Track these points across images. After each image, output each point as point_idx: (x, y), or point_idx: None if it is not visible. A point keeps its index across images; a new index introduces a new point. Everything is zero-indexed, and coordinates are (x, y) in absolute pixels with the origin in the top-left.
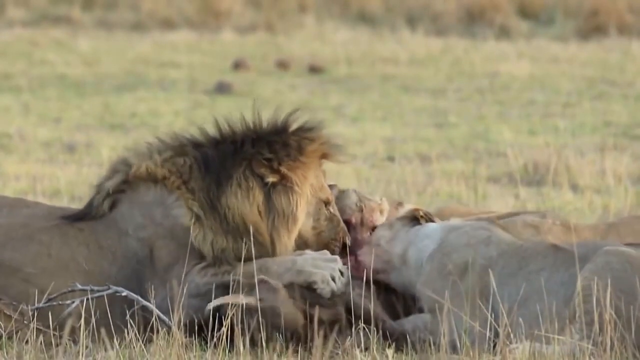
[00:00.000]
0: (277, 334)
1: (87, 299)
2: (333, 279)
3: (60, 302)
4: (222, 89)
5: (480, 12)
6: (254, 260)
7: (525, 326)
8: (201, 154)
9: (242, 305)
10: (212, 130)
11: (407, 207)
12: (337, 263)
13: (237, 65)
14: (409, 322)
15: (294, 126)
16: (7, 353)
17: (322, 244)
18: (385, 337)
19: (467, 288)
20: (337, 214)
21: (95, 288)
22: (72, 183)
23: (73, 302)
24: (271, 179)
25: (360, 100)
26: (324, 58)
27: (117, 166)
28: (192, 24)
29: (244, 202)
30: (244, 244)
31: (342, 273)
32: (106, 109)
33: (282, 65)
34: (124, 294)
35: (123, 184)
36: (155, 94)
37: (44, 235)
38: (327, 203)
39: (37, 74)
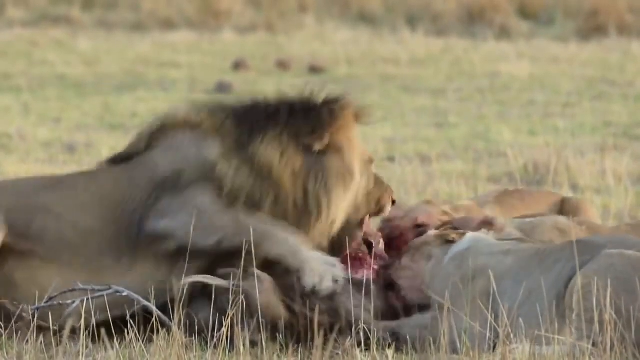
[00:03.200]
0: (263, 327)
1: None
2: (322, 279)
3: (60, 302)
4: (222, 89)
5: (481, 12)
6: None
7: (536, 319)
8: (238, 109)
9: (214, 285)
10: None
11: (431, 232)
12: (336, 268)
13: (237, 65)
14: (410, 323)
15: (322, 97)
16: (7, 353)
17: (373, 204)
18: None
19: (475, 292)
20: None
21: (97, 288)
22: None
23: (74, 302)
24: (318, 146)
25: (361, 100)
26: (324, 58)
27: (157, 117)
28: (192, 24)
29: (276, 155)
30: (261, 194)
31: (337, 281)
32: (106, 109)
33: (282, 65)
34: (124, 294)
35: (159, 131)
36: (155, 94)
37: (71, 180)
38: (371, 162)
39: (37, 74)
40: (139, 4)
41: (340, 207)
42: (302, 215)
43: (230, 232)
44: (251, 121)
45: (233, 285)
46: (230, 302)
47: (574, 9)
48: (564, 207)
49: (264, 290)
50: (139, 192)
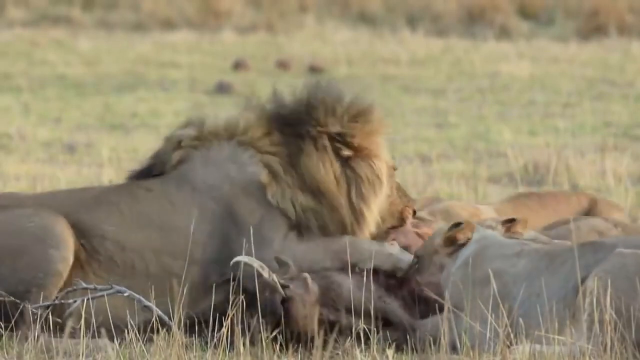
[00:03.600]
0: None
1: (89, 298)
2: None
3: (62, 301)
4: (222, 89)
5: (481, 13)
6: (345, 237)
7: (545, 320)
8: (274, 112)
9: (264, 279)
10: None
11: (437, 240)
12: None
13: (237, 65)
14: (428, 323)
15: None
16: (7, 353)
17: (396, 214)
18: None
19: (488, 296)
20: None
21: (98, 287)
22: (72, 183)
23: (75, 301)
24: (346, 152)
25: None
26: (324, 58)
27: (192, 119)
28: (192, 24)
29: (319, 164)
30: (323, 208)
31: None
32: (106, 109)
33: (282, 65)
34: (126, 294)
35: (195, 139)
36: (155, 94)
37: (112, 196)
38: (394, 169)
39: (37, 74)
40: (139, 4)
41: (375, 211)
42: (339, 226)
43: (330, 264)
44: (290, 124)
45: (281, 284)
46: (230, 303)
47: (574, 9)
48: (593, 209)
49: (308, 302)
50: (186, 221)
